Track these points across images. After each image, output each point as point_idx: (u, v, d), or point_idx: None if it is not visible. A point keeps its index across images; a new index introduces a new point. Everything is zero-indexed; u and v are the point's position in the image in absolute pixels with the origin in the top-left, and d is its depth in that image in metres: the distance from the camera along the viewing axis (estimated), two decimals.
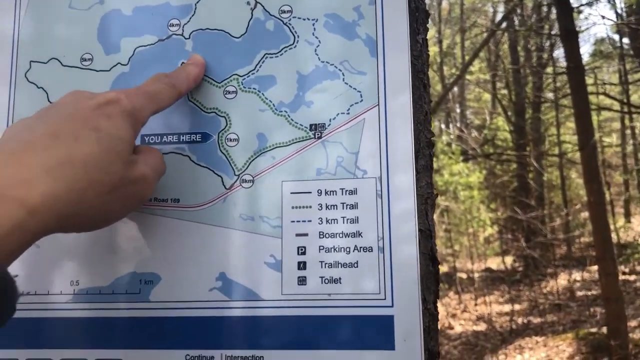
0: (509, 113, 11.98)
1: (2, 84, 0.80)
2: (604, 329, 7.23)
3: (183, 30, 0.77)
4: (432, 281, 0.84)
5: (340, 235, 0.70)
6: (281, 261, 0.71)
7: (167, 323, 0.71)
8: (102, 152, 0.55)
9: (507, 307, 9.40)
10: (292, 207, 0.72)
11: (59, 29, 0.80)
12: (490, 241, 11.91)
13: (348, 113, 0.73)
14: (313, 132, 0.73)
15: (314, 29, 0.75)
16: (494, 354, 7.88)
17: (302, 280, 0.70)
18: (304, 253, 0.70)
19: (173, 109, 0.75)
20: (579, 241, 11.57)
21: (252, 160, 0.73)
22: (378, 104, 0.72)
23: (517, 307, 9.31)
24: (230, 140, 0.74)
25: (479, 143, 11.69)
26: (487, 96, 13.62)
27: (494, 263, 11.76)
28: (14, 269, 0.72)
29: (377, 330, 0.67)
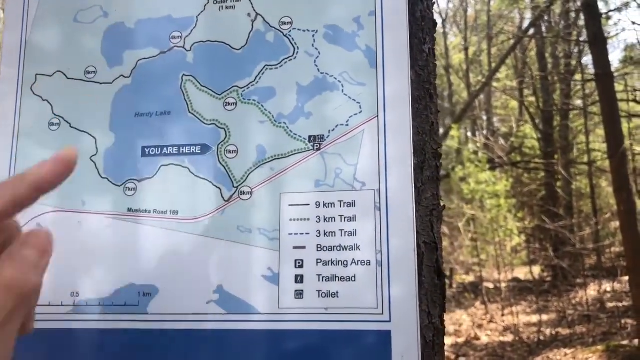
0: (537, 121, 11.81)
1: (9, 96, 0.81)
2: (636, 342, 7.04)
3: (185, 43, 0.78)
4: (438, 295, 0.82)
5: (338, 248, 0.69)
6: (278, 274, 0.70)
7: (164, 336, 0.71)
8: None
9: (534, 318, 9.22)
10: (290, 220, 0.71)
11: (64, 42, 0.81)
12: (517, 250, 11.72)
13: (347, 124, 0.72)
14: (312, 143, 0.72)
15: (314, 40, 0.74)
16: None
17: (299, 294, 0.69)
18: (301, 266, 0.70)
19: (173, 120, 0.75)
20: (610, 251, 11.31)
21: (251, 172, 0.73)
22: (377, 116, 0.71)
23: (545, 318, 9.13)
24: (230, 152, 0.74)
25: (505, 151, 11.54)
26: (514, 104, 13.45)
27: (522, 273, 11.56)
28: None
29: (374, 346, 0.66)
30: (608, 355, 7.60)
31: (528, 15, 12.22)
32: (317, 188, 0.71)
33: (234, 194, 0.73)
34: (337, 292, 0.68)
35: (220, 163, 0.74)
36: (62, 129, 0.79)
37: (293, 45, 0.75)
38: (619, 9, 8.07)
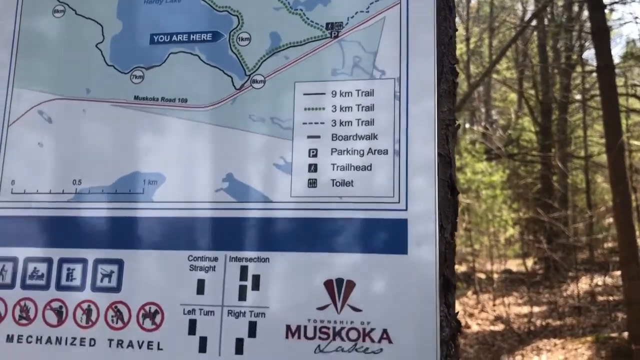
0: (535, 114, 11.78)
1: None
2: (625, 334, 7.06)
3: None
4: (451, 210, 0.79)
5: (354, 137, 0.67)
6: (291, 163, 0.67)
7: (170, 223, 0.68)
8: None
9: (525, 309, 9.25)
10: (305, 109, 0.68)
11: None
12: (511, 242, 11.73)
13: (367, 11, 0.69)
14: (329, 31, 0.69)
15: None
16: (510, 355, 7.76)
17: (312, 183, 0.66)
18: (315, 155, 0.67)
19: (183, 7, 0.72)
20: (602, 247, 11.34)
21: (264, 60, 0.70)
22: (400, 2, 0.68)
23: (536, 309, 9.16)
24: (242, 39, 0.71)
25: (503, 142, 11.52)
26: (512, 96, 13.42)
27: (514, 265, 11.58)
28: (14, 167, 0.69)
29: (389, 234, 0.64)
30: (597, 347, 7.64)
31: (531, 7, 12.18)
32: (334, 77, 0.68)
33: (245, 82, 0.70)
34: (352, 181, 0.66)
35: (232, 51, 0.71)
36: (67, 16, 0.76)
37: None
38: (623, 2, 8.03)
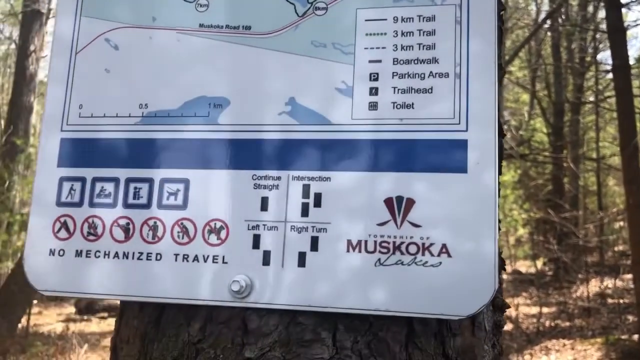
0: (548, 115, 11.76)
1: None
2: (635, 337, 7.03)
3: None
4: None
5: (415, 61, 0.69)
6: (352, 87, 0.69)
7: (235, 145, 0.71)
8: None
9: (534, 310, 9.22)
10: (366, 34, 0.70)
11: None
12: (521, 242, 11.72)
13: None
14: None
15: None
16: (519, 354, 7.74)
17: (373, 106, 0.69)
18: (376, 79, 0.69)
19: None
20: (613, 250, 11.29)
21: None
22: None
23: (545, 310, 9.13)
24: None
25: (515, 142, 11.51)
26: (525, 97, 13.40)
27: (524, 266, 11.55)
28: (81, 92, 0.72)
29: (449, 153, 0.66)
30: (607, 348, 7.61)
31: (545, 8, 12.13)
32: (396, 3, 0.70)
33: (308, 9, 0.72)
34: (413, 104, 0.68)
35: None
36: None
37: None
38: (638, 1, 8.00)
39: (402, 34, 0.69)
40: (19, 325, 6.22)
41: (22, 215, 6.70)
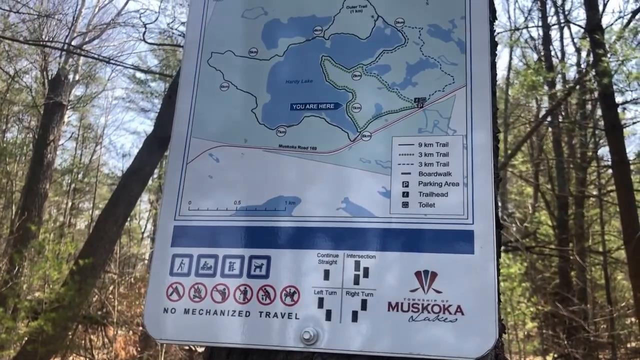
0: (552, 208, 11.98)
1: (190, 65, 1.12)
2: None
3: (324, 34, 1.09)
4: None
5: (435, 174, 0.97)
6: (390, 191, 0.97)
7: (305, 232, 0.97)
8: None
9: None
10: (400, 154, 0.99)
11: (233, 31, 1.13)
12: (530, 336, 11.60)
13: (443, 91, 1.01)
14: (416, 103, 1.01)
15: (420, 34, 1.05)
16: None
17: (405, 204, 0.96)
18: (407, 186, 0.97)
19: (314, 85, 1.05)
20: (626, 347, 11.14)
21: (371, 122, 1.02)
22: (465, 85, 1.00)
23: None
24: (355, 108, 1.03)
25: (520, 234, 11.69)
26: (528, 190, 13.72)
27: None
28: (190, 192, 1.00)
29: (461, 240, 0.92)
30: None
31: (545, 104, 12.65)
32: (420, 133, 1.00)
33: (357, 136, 1.02)
34: (434, 204, 0.95)
35: (348, 115, 1.03)
36: (230, 90, 1.10)
37: (404, 37, 1.06)
38: (634, 101, 8.47)
39: (425, 154, 0.98)
40: None
41: (30, 302, 6.67)
